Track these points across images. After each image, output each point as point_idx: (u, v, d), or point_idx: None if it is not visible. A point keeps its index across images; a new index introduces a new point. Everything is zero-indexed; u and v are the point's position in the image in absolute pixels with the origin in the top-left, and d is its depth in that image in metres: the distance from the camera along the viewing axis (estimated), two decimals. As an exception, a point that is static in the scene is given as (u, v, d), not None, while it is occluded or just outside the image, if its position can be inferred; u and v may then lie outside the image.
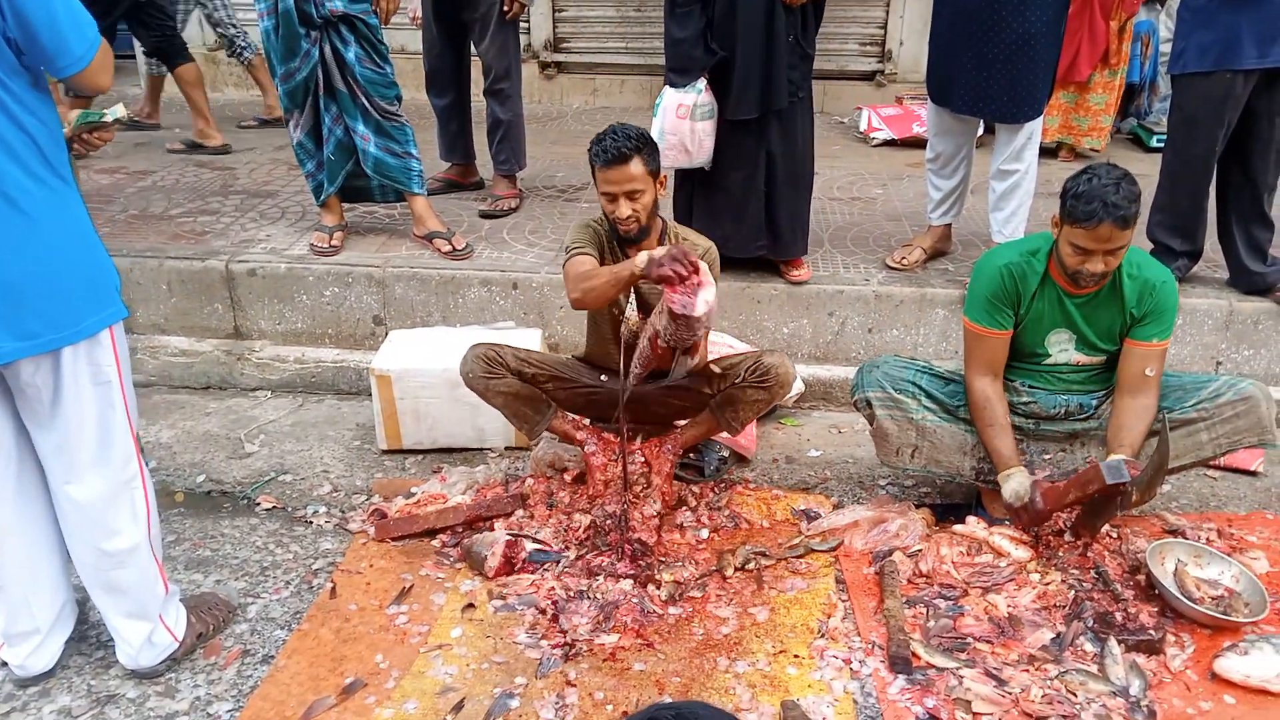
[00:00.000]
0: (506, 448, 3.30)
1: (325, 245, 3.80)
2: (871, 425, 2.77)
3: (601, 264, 2.76)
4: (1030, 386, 2.72)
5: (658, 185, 2.66)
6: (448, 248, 3.77)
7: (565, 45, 6.18)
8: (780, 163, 3.44)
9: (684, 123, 3.29)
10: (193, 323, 3.78)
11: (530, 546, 2.70)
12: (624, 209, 2.60)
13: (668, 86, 3.31)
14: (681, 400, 2.96)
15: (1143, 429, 2.55)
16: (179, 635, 2.30)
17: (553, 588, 2.57)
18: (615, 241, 2.79)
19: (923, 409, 2.73)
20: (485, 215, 4.22)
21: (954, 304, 3.56)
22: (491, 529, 2.80)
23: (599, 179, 2.62)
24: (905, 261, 3.70)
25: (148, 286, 3.75)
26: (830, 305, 3.61)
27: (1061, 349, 2.63)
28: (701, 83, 3.28)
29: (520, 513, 2.86)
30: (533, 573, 2.64)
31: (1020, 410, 2.73)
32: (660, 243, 2.80)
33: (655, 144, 2.65)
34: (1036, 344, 2.64)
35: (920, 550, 2.71)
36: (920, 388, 2.73)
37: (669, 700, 1.27)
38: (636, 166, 2.58)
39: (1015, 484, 2.57)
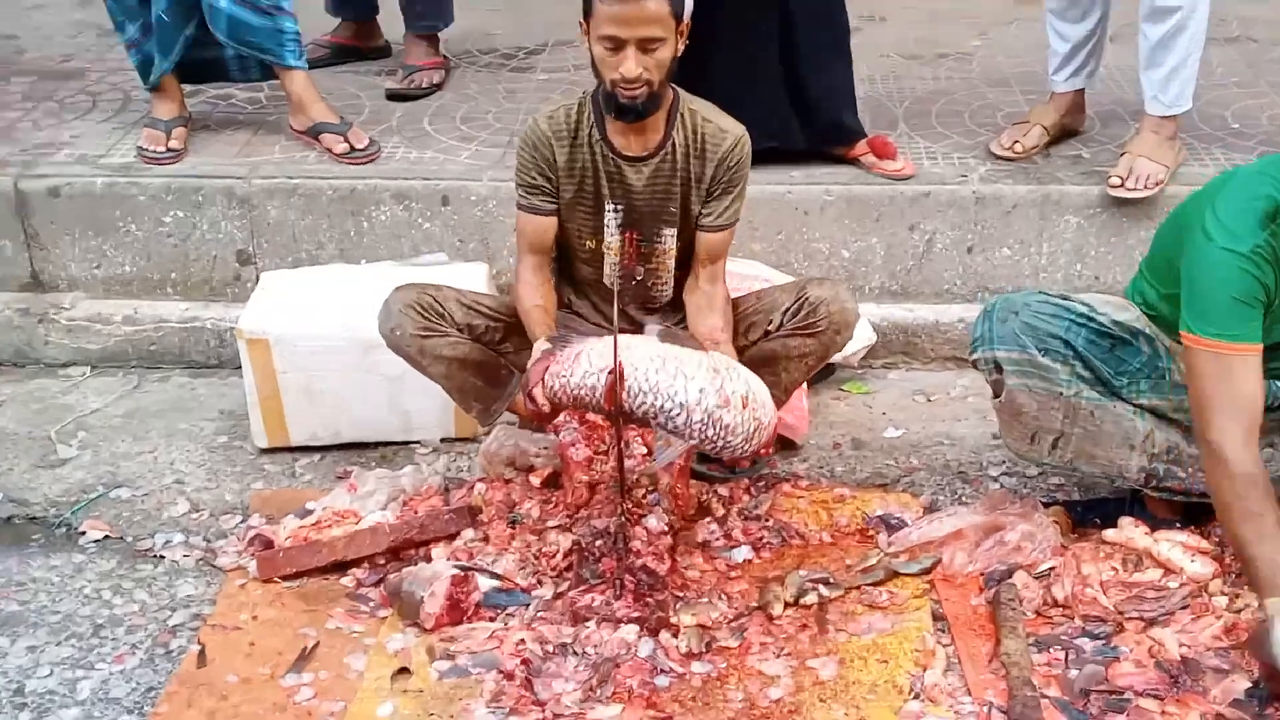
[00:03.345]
0: (444, 440, 3.31)
1: (161, 148, 3.78)
2: (997, 396, 2.76)
3: (569, 177, 2.82)
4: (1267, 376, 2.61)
5: (679, 34, 2.66)
6: (343, 146, 3.77)
7: None
8: (803, 22, 3.50)
9: None
10: (-33, 270, 3.79)
11: (486, 584, 2.71)
12: (632, 65, 2.59)
13: None
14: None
15: None
16: None
17: (522, 641, 2.58)
18: (598, 122, 2.77)
19: (1076, 380, 2.71)
20: (396, 96, 4.19)
21: (1093, 207, 3.58)
22: (429, 559, 2.80)
23: (598, 17, 2.61)
24: (1019, 147, 3.72)
25: (-107, 218, 3.75)
26: (911, 214, 3.61)
27: None
28: None
29: (470, 534, 2.87)
30: (492, 620, 2.65)
31: None
32: (669, 123, 2.78)
33: None
34: None
35: (1053, 569, 2.73)
36: (1075, 350, 2.70)
37: None
38: (660, 2, 2.57)
39: None
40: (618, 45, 2.60)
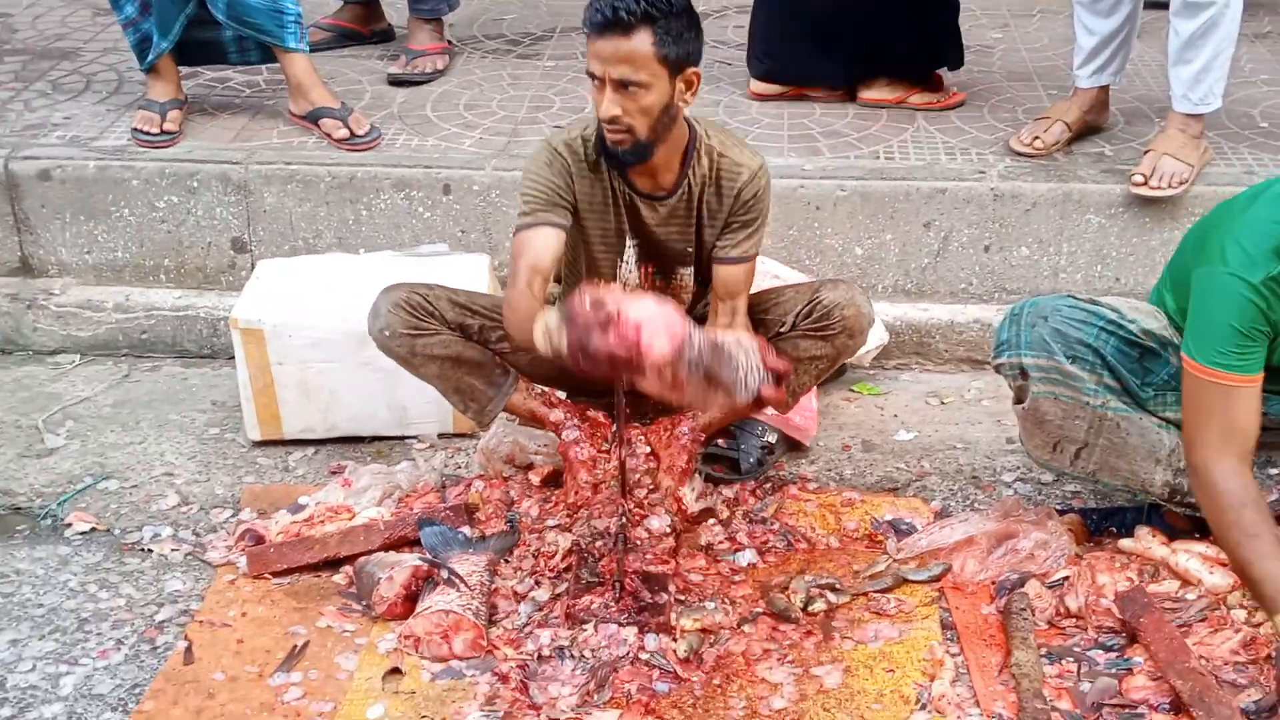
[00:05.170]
0: (441, 435, 3.35)
1: (155, 131, 3.81)
2: (1020, 403, 2.78)
3: (589, 209, 2.78)
4: (1268, 393, 2.63)
5: (678, 83, 2.61)
6: (343, 132, 3.81)
7: None
8: None
9: None
10: (-45, 253, 3.81)
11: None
12: (608, 105, 2.56)
13: None
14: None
15: None
16: None
17: (516, 639, 2.63)
18: (604, 160, 2.74)
19: (1103, 390, 2.70)
20: (399, 81, 4.23)
21: (1115, 206, 3.61)
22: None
23: (588, 50, 2.60)
24: (1039, 143, 3.74)
25: (-119, 199, 3.78)
26: (927, 211, 3.64)
27: None
28: None
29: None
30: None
31: None
32: (684, 162, 2.76)
33: (690, 15, 2.59)
34: None
35: (1067, 578, 2.75)
36: (1103, 359, 2.70)
37: None
38: (641, 43, 2.52)
39: None
40: (599, 82, 2.57)
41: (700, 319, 2.91)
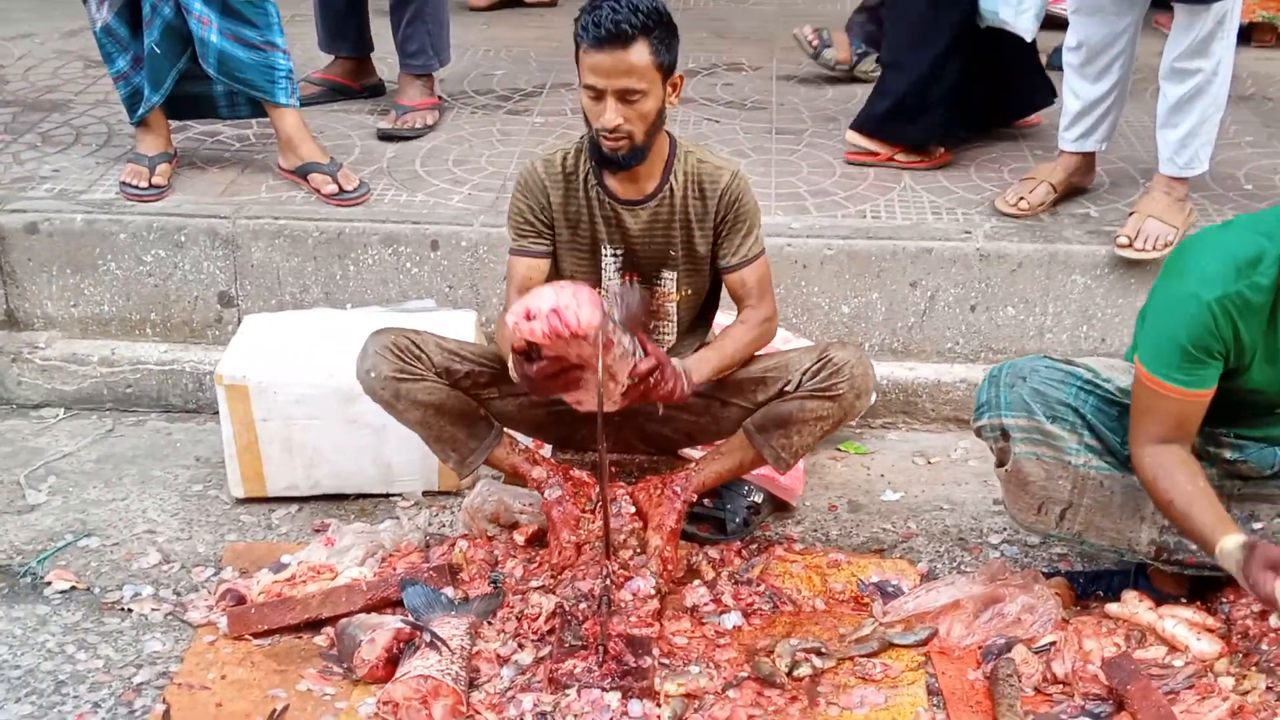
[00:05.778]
0: (426, 493, 3.34)
1: (144, 184, 3.82)
2: (1003, 466, 2.77)
3: (564, 221, 2.86)
4: (1240, 438, 2.70)
5: (668, 88, 2.74)
6: (331, 187, 3.82)
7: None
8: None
9: None
10: (-59, 305, 3.82)
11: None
12: (611, 115, 2.68)
13: None
14: (697, 416, 3.01)
15: None
16: None
17: (498, 704, 2.60)
18: (595, 166, 2.83)
19: (1084, 450, 2.71)
20: (388, 136, 4.26)
21: (1100, 267, 3.63)
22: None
23: (581, 64, 2.70)
24: (1025, 204, 3.76)
25: None
26: (913, 270, 3.66)
27: None
28: None
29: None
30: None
31: (1223, 471, 2.74)
32: (666, 168, 2.86)
33: (673, 25, 2.73)
34: (1272, 390, 2.60)
35: (1054, 643, 2.74)
36: (1083, 418, 2.70)
37: None
38: (640, 54, 2.65)
39: (1236, 555, 2.46)
40: (597, 95, 2.68)
41: (684, 321, 3.03)
